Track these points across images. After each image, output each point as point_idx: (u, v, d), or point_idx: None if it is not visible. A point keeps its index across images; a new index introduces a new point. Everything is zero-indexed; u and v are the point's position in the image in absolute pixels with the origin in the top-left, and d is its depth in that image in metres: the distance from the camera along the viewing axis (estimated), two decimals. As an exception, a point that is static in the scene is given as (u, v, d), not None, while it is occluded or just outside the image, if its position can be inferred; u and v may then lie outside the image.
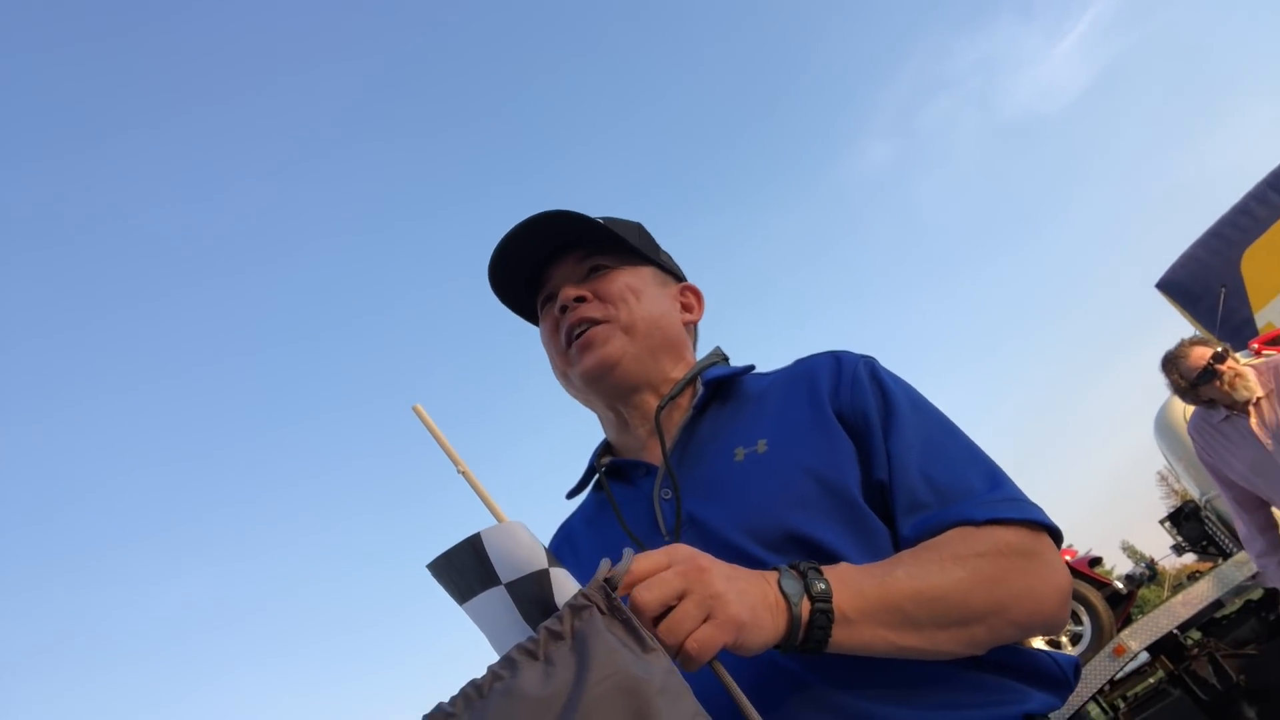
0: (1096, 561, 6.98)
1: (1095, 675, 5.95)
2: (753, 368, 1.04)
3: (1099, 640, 6.06)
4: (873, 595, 0.69)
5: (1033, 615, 0.75)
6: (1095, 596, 6.23)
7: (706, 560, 0.64)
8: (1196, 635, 6.33)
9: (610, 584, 0.61)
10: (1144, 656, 6.13)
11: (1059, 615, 0.77)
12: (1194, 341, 3.12)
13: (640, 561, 0.63)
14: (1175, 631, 5.94)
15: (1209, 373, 3.02)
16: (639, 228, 1.08)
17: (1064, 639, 6.19)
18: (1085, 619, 6.22)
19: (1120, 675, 6.12)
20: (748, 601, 0.63)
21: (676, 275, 1.13)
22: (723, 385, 1.00)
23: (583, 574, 0.82)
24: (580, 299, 0.99)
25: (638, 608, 0.60)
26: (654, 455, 0.97)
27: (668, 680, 0.57)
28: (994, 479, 0.82)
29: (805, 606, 0.66)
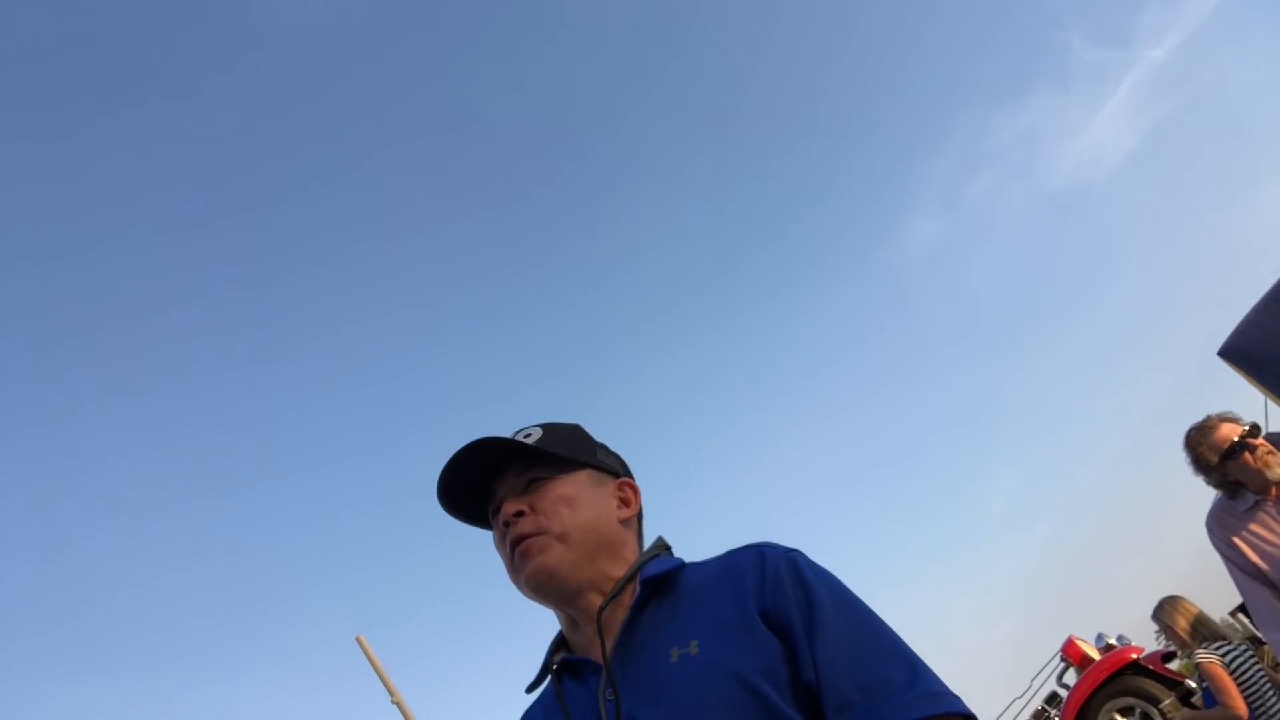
0: (1170, 656, 6.41)
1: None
2: (683, 564, 1.09)
3: (1175, 747, 5.50)
4: None
5: None
6: (1166, 696, 5.68)
7: None
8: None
9: None
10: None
11: None
12: (1223, 417, 2.88)
13: None
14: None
15: (1240, 446, 2.76)
16: (574, 430, 1.17)
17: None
18: (1159, 721, 5.67)
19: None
20: None
21: (614, 472, 1.19)
22: (659, 583, 1.05)
23: None
24: (519, 513, 1.07)
25: None
26: (599, 654, 1.01)
27: None
28: (914, 673, 0.86)
29: None
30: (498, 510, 1.10)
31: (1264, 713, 3.94)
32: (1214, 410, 2.93)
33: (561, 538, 1.04)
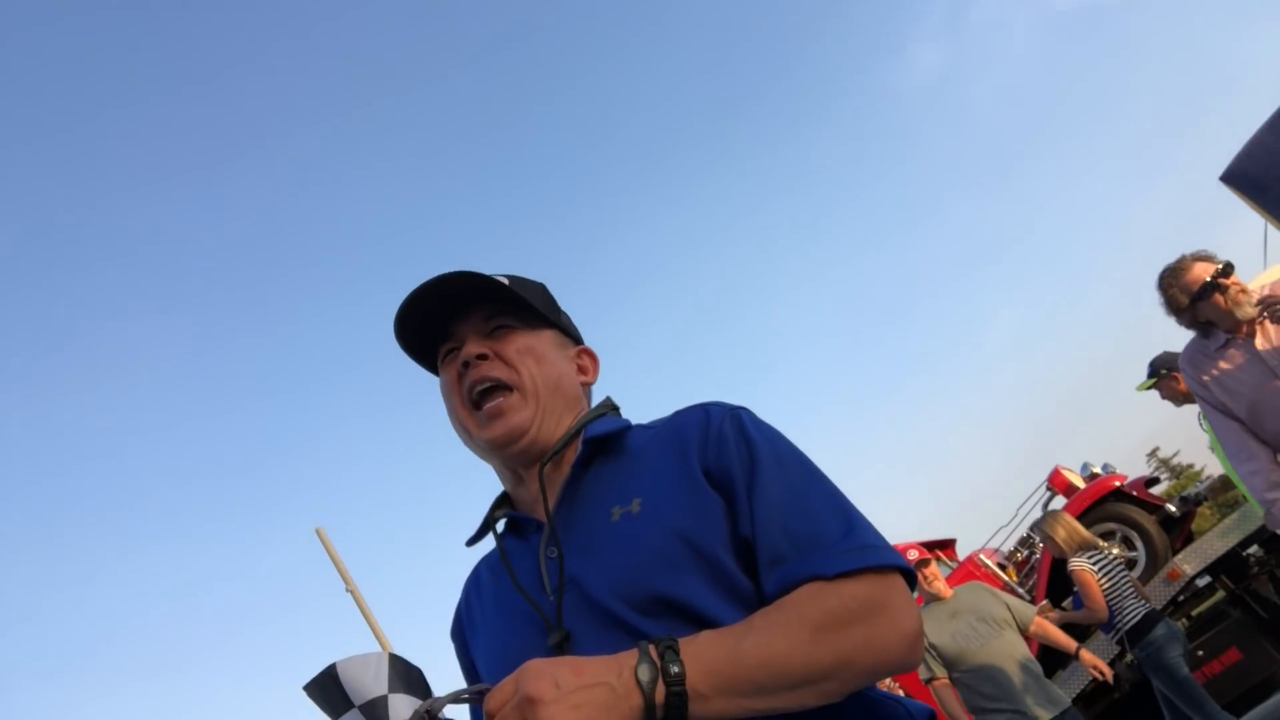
0: (1153, 482, 6.63)
1: (1152, 600, 5.72)
2: (629, 425, 1.06)
3: (1153, 565, 5.81)
4: (725, 670, 0.73)
5: (879, 663, 0.78)
6: (1149, 521, 5.94)
7: (537, 685, 0.70)
8: (1259, 552, 6.03)
9: (431, 714, 0.74)
10: (1205, 578, 5.87)
11: (908, 659, 0.80)
12: (1196, 256, 2.83)
13: (488, 702, 0.72)
14: (1237, 549, 5.65)
15: (1210, 287, 2.73)
16: (542, 289, 1.12)
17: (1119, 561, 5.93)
18: (1139, 544, 5.94)
19: (1181, 598, 5.88)
20: (580, 716, 0.69)
21: (575, 338, 1.16)
22: (604, 442, 1.02)
23: (478, 622, 1.05)
24: (482, 356, 1.02)
25: None
26: (543, 512, 0.99)
27: None
28: (849, 525, 0.84)
29: (660, 691, 0.72)
30: (453, 351, 1.06)
31: (1121, 614, 4.48)
32: (1206, 244, 2.88)
33: (532, 394, 1.01)
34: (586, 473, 1.00)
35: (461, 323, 1.06)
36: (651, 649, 0.74)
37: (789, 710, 0.76)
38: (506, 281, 1.06)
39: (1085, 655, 4.47)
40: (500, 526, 1.06)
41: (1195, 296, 2.77)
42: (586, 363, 1.15)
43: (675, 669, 0.72)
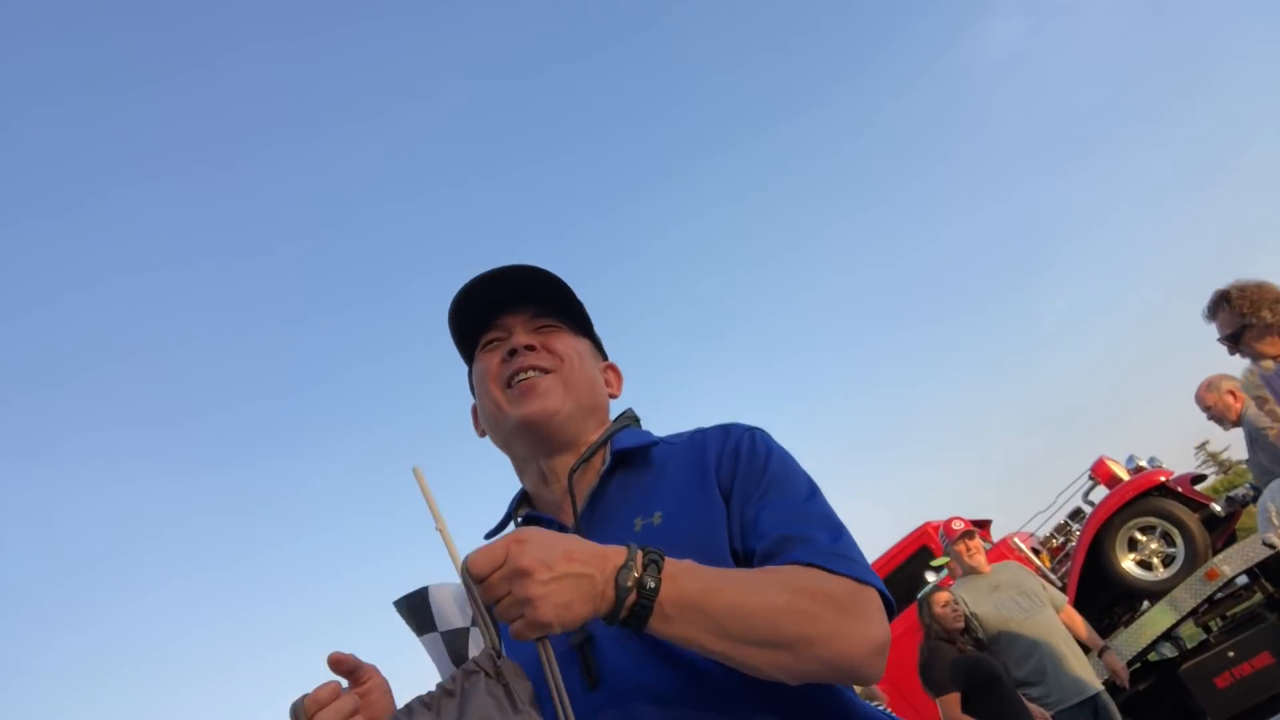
0: (1199, 479, 6.50)
1: (1187, 598, 5.67)
2: (655, 440, 1.09)
3: (1192, 563, 5.73)
4: (695, 601, 0.78)
5: (840, 658, 0.81)
6: (1190, 518, 5.85)
7: (531, 559, 0.74)
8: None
9: (497, 652, 0.78)
10: (1244, 579, 5.78)
11: (868, 668, 0.82)
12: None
13: (476, 563, 0.74)
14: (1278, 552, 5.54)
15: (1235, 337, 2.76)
16: (580, 303, 1.15)
17: (1155, 560, 5.87)
18: (1179, 541, 5.86)
19: (1219, 596, 5.81)
20: (562, 599, 0.74)
21: (604, 353, 1.21)
22: (630, 455, 1.06)
23: None
24: (530, 347, 1.06)
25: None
26: (567, 515, 1.04)
27: None
28: (838, 538, 0.89)
29: (630, 598, 0.77)
30: (499, 340, 1.10)
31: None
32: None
33: (569, 385, 1.05)
34: (612, 482, 1.04)
35: (509, 316, 1.10)
36: (640, 555, 0.79)
37: (739, 663, 0.80)
38: (565, 284, 1.09)
39: (1110, 658, 4.48)
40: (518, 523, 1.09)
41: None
42: (612, 378, 1.20)
43: (651, 584, 0.76)
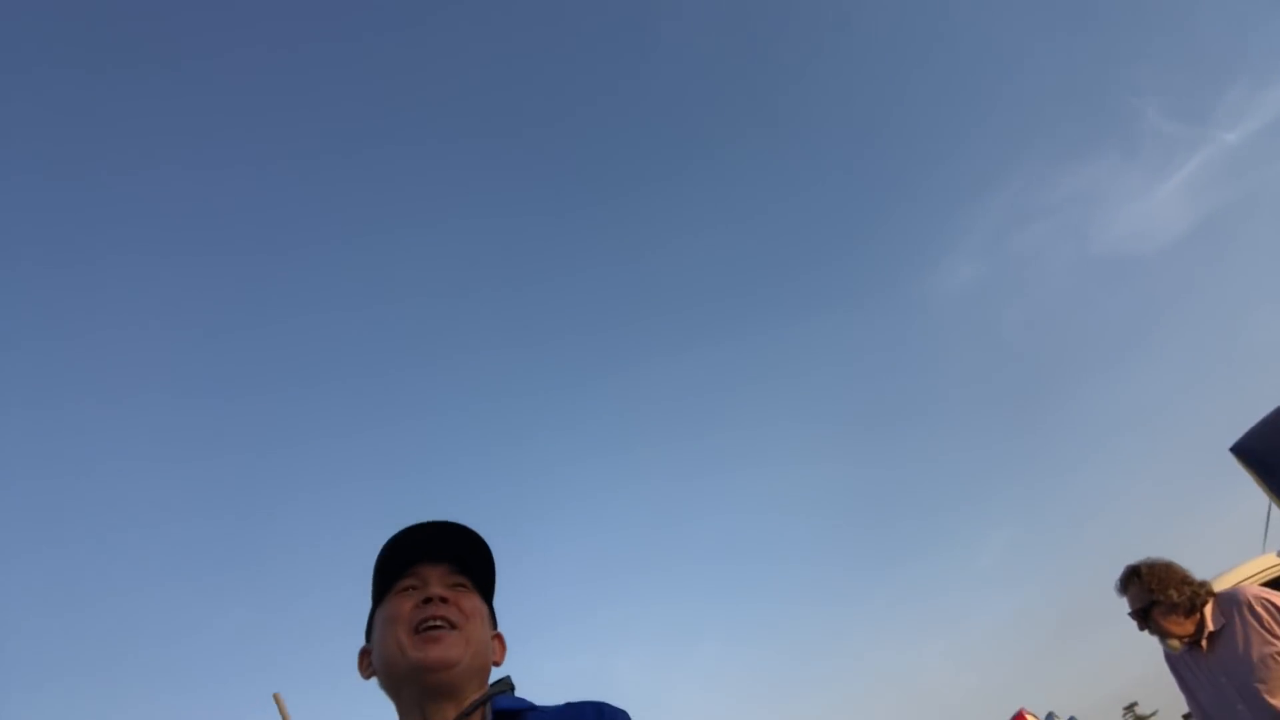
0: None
1: None
2: (532, 707, 1.17)
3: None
4: None
5: None
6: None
7: None
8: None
9: None
10: None
11: None
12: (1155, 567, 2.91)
13: None
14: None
15: (1143, 613, 2.88)
16: (494, 570, 1.28)
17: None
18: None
19: None
20: None
21: (495, 622, 1.31)
22: (508, 717, 1.14)
23: None
24: (444, 600, 1.17)
25: None
26: None
27: None
28: None
29: None
30: (414, 589, 1.19)
31: None
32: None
33: (469, 642, 1.15)
34: None
35: (427, 567, 1.21)
36: None
37: None
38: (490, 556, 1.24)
39: None
40: None
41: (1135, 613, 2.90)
42: (498, 646, 1.29)
43: None
